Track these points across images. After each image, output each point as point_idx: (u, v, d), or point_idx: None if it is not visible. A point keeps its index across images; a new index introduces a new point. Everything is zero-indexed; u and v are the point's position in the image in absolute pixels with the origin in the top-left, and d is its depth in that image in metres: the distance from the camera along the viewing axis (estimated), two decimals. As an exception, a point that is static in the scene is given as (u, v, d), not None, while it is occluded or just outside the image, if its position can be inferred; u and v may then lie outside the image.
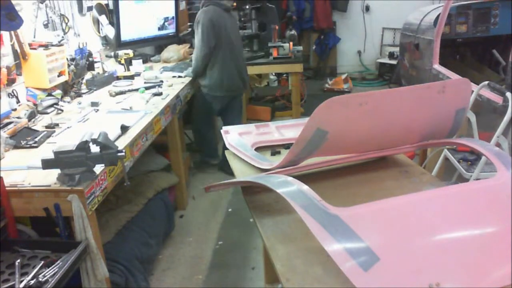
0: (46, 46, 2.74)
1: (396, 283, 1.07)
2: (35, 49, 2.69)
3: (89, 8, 3.57)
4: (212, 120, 4.08)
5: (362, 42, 7.05)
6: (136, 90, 3.16)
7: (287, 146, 1.99)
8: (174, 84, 3.35)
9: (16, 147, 2.18)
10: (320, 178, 1.73)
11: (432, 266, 1.11)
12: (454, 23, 4.06)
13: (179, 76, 3.58)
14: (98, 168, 1.89)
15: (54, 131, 2.38)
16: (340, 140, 1.56)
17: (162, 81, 3.36)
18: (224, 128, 2.19)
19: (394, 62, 6.35)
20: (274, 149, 1.98)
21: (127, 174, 2.05)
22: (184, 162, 3.65)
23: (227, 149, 2.04)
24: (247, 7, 4.38)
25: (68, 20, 3.21)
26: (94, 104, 2.82)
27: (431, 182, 1.71)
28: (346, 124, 1.49)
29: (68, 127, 2.44)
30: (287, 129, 2.17)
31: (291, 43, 4.18)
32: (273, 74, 6.22)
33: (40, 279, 1.57)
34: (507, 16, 3.96)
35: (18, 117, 2.46)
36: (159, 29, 4.17)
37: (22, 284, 1.56)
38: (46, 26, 2.98)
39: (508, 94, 2.46)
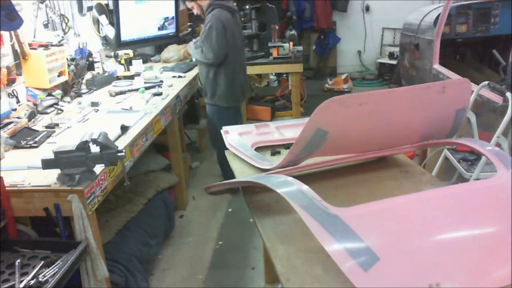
0: (46, 46, 2.74)
1: (396, 283, 1.07)
2: (35, 49, 2.69)
3: (89, 8, 3.57)
4: None
5: (362, 42, 7.05)
6: (136, 90, 3.16)
7: (287, 146, 1.99)
8: (174, 84, 3.35)
9: (16, 147, 2.18)
10: (320, 178, 1.73)
11: (432, 266, 1.11)
12: (454, 23, 4.06)
13: (179, 76, 3.58)
14: (98, 168, 1.89)
15: (54, 131, 2.38)
16: (340, 140, 1.56)
17: (162, 81, 3.36)
18: (224, 128, 2.19)
19: (394, 62, 6.35)
20: (274, 149, 1.98)
21: (127, 174, 2.05)
22: (184, 162, 3.65)
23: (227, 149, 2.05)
24: (247, 7, 4.38)
25: (68, 20, 3.21)
26: (94, 104, 2.82)
27: (431, 182, 1.71)
28: (346, 124, 1.49)
29: (68, 127, 2.44)
30: (287, 129, 2.17)
31: (291, 43, 4.17)
32: (273, 74, 6.22)
33: (40, 279, 1.57)
34: (507, 16, 3.97)
35: (18, 117, 2.46)
36: (159, 29, 4.17)
37: (22, 284, 1.56)
38: (46, 26, 2.98)
39: (508, 94, 2.46)
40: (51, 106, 2.72)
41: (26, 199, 1.81)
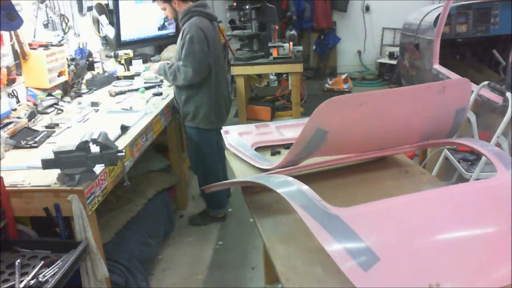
0: (46, 46, 2.74)
1: (396, 283, 1.07)
2: (35, 49, 2.69)
3: (89, 8, 3.57)
4: (219, 157, 3.14)
5: (362, 42, 7.05)
6: (136, 90, 3.16)
7: (287, 146, 1.99)
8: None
9: (16, 147, 2.18)
10: (320, 178, 1.73)
11: (432, 266, 1.11)
12: (454, 23, 4.06)
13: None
14: (98, 168, 1.89)
15: (54, 131, 2.38)
16: (340, 140, 1.55)
17: (162, 81, 3.36)
18: (224, 128, 2.19)
19: (394, 62, 6.35)
20: (274, 149, 1.98)
21: (127, 174, 2.06)
22: (184, 162, 3.65)
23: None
24: (247, 7, 4.37)
25: (68, 20, 3.21)
26: (94, 104, 2.82)
27: (431, 182, 1.71)
28: (346, 124, 1.49)
29: (68, 127, 2.45)
30: (287, 129, 2.17)
31: (291, 43, 4.17)
32: (273, 74, 6.22)
33: (40, 279, 1.57)
34: (507, 16, 3.96)
35: (18, 117, 2.46)
36: (159, 29, 4.17)
37: (22, 284, 1.56)
38: (46, 26, 2.99)
39: (508, 94, 2.46)
40: (51, 106, 2.72)
41: (26, 199, 1.81)
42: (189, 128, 3.02)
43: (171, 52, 4.17)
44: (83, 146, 1.78)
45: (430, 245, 1.19)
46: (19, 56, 2.61)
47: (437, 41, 3.74)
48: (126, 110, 2.73)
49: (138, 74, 3.62)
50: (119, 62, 3.61)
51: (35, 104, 2.66)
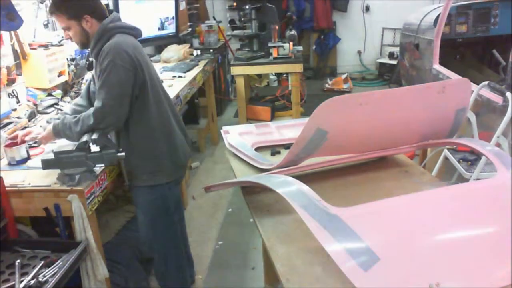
0: (46, 46, 2.74)
1: (396, 283, 1.07)
2: (35, 49, 2.69)
3: (89, 8, 3.57)
4: (175, 226, 2.27)
5: (362, 42, 7.05)
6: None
7: (287, 146, 1.99)
8: (174, 84, 3.35)
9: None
10: (320, 178, 1.73)
11: (432, 266, 1.11)
12: (454, 23, 4.06)
13: (179, 76, 3.58)
14: (98, 168, 1.89)
15: (54, 131, 2.37)
16: (340, 140, 1.56)
17: (162, 81, 3.35)
18: (224, 128, 2.19)
19: (394, 62, 6.35)
20: (274, 149, 1.98)
21: (127, 174, 2.05)
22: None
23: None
24: (247, 7, 4.38)
25: (68, 20, 3.20)
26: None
27: (431, 182, 1.71)
28: (346, 124, 1.49)
29: (68, 127, 2.43)
30: (287, 129, 2.17)
31: (291, 43, 4.17)
32: (273, 74, 6.22)
33: (40, 279, 1.57)
34: (507, 16, 3.97)
35: (18, 117, 2.46)
36: (159, 29, 4.17)
37: (22, 284, 1.56)
38: (46, 26, 2.99)
39: (508, 94, 2.46)
40: (51, 106, 2.72)
41: (26, 199, 1.81)
42: (137, 189, 2.11)
43: (171, 52, 4.17)
44: (83, 146, 1.78)
45: (430, 245, 1.19)
46: (19, 56, 2.61)
47: (437, 41, 3.74)
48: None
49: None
50: (119, 62, 3.60)
51: (35, 104, 2.66)
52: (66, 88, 3.03)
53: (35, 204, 1.81)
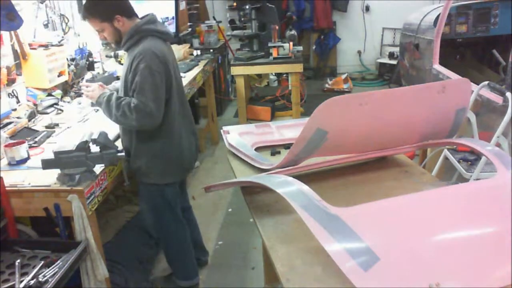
0: (46, 46, 2.74)
1: (396, 283, 1.07)
2: (35, 49, 2.70)
3: (89, 8, 3.57)
4: (180, 217, 2.44)
5: (362, 42, 7.05)
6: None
7: (287, 146, 1.99)
8: (174, 84, 3.34)
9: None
10: (320, 178, 1.73)
11: (432, 266, 1.11)
12: (454, 23, 4.06)
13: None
14: (98, 168, 1.89)
15: (54, 131, 2.38)
16: (340, 140, 1.56)
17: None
18: (224, 128, 2.19)
19: (394, 62, 6.35)
20: (274, 149, 1.98)
21: (127, 174, 2.06)
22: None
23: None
24: (247, 7, 4.38)
25: (68, 20, 3.21)
26: (94, 104, 2.82)
27: (431, 182, 1.71)
28: (346, 124, 1.49)
29: (68, 127, 2.45)
30: (287, 129, 2.17)
31: (291, 43, 4.17)
32: (273, 74, 6.22)
33: (40, 279, 1.57)
34: (507, 16, 3.97)
35: (18, 117, 2.46)
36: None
37: (22, 284, 1.56)
38: (46, 26, 2.99)
39: (508, 94, 2.46)
40: (51, 106, 2.72)
41: (26, 199, 1.81)
42: (142, 186, 2.29)
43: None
44: (83, 146, 1.78)
45: (430, 245, 1.19)
46: (19, 56, 2.61)
47: (437, 41, 3.74)
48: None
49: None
50: (119, 62, 3.61)
51: (35, 104, 2.67)
52: (66, 88, 3.03)
53: (35, 204, 1.81)
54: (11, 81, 2.56)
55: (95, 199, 1.87)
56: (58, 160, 1.77)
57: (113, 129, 2.26)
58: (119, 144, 2.14)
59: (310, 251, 1.26)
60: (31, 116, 2.53)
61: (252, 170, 1.79)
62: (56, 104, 2.76)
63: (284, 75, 6.02)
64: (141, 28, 2.10)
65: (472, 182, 2.27)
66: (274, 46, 4.17)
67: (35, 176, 1.87)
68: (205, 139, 4.59)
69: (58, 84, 2.89)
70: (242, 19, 4.51)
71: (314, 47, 7.02)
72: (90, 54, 3.25)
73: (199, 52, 4.42)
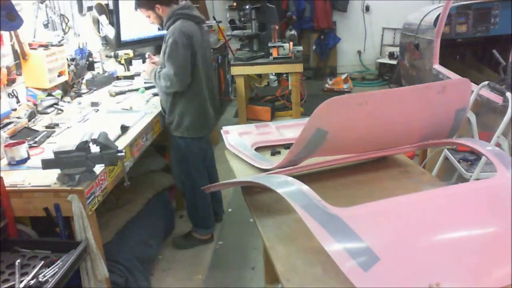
0: (46, 46, 2.74)
1: (396, 283, 1.07)
2: (35, 49, 2.69)
3: (89, 8, 3.57)
4: (201, 168, 2.94)
5: (362, 42, 7.05)
6: (136, 90, 3.16)
7: (287, 146, 1.99)
8: (174, 84, 3.34)
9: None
10: (320, 178, 1.73)
11: (432, 266, 1.11)
12: (454, 23, 4.06)
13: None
14: (98, 168, 1.89)
15: (54, 131, 2.38)
16: (340, 140, 1.56)
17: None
18: (224, 128, 2.19)
19: (394, 62, 6.35)
20: (274, 149, 1.98)
21: (127, 174, 2.06)
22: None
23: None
24: (247, 7, 4.38)
25: (68, 20, 3.21)
26: (94, 104, 2.82)
27: (431, 182, 1.71)
28: (346, 124, 1.49)
29: (68, 127, 2.45)
30: (287, 129, 2.17)
31: (291, 43, 4.17)
32: (273, 74, 6.22)
33: (40, 279, 1.57)
34: (507, 16, 3.97)
35: (18, 117, 2.46)
36: (159, 29, 4.16)
37: (22, 284, 1.56)
38: (46, 26, 2.98)
39: (508, 94, 2.46)
40: (51, 106, 2.72)
41: (26, 199, 1.81)
42: (174, 137, 2.82)
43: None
44: (83, 146, 1.78)
45: (430, 245, 1.19)
46: (19, 56, 2.61)
47: (437, 41, 3.74)
48: (126, 110, 2.73)
49: (138, 74, 3.62)
50: (119, 62, 3.61)
51: (35, 104, 2.66)
52: (66, 88, 3.03)
53: (35, 204, 1.81)
54: (11, 81, 2.56)
55: (95, 199, 1.87)
56: (58, 160, 1.76)
57: (113, 129, 2.26)
58: (119, 144, 2.14)
59: (310, 251, 1.27)
60: (31, 116, 2.53)
61: (252, 170, 1.79)
62: (56, 104, 2.76)
63: (284, 75, 6.02)
64: (176, 12, 2.66)
65: (472, 182, 2.27)
66: (274, 46, 4.17)
67: (35, 176, 1.87)
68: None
69: (58, 84, 2.89)
70: (242, 19, 4.51)
71: (314, 47, 7.02)
72: (90, 54, 3.25)
73: (199, 52, 4.42)
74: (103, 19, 3.70)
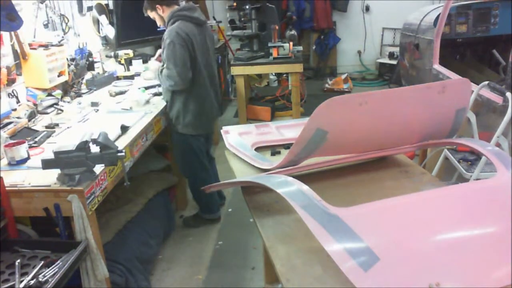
0: (46, 46, 2.74)
1: (396, 283, 1.07)
2: (35, 49, 2.69)
3: (89, 8, 3.57)
4: (204, 163, 3.12)
5: (362, 42, 7.05)
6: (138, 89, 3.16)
7: (287, 146, 1.99)
8: (174, 84, 3.34)
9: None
10: (320, 178, 1.73)
11: (432, 266, 1.11)
12: (454, 23, 4.06)
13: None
14: (98, 168, 1.89)
15: (54, 131, 2.38)
16: (340, 140, 1.56)
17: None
18: (224, 128, 2.19)
19: (394, 62, 6.35)
20: (274, 149, 1.98)
21: (127, 174, 2.06)
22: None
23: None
24: (247, 7, 4.38)
25: (68, 20, 3.21)
26: (94, 104, 2.82)
27: (431, 182, 1.71)
28: (346, 124, 1.49)
29: (68, 127, 2.45)
30: (287, 129, 2.17)
31: (291, 43, 4.17)
32: (273, 74, 6.22)
33: (40, 279, 1.57)
34: (507, 16, 3.96)
35: (18, 117, 2.46)
36: (158, 29, 4.16)
37: (22, 284, 1.56)
38: (46, 26, 2.99)
39: (508, 94, 2.46)
40: (51, 106, 2.72)
41: (26, 199, 1.81)
42: (174, 134, 2.97)
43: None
44: (83, 146, 1.78)
45: (430, 245, 1.19)
46: (19, 56, 2.61)
47: (437, 41, 3.74)
48: (126, 110, 2.73)
49: (138, 74, 3.62)
50: (119, 62, 3.61)
51: (35, 104, 2.66)
52: (66, 88, 3.03)
53: (35, 204, 1.81)
54: (11, 81, 2.56)
55: (95, 199, 1.87)
56: (58, 160, 1.76)
57: (113, 129, 2.26)
58: (119, 144, 2.14)
59: (310, 251, 1.27)
60: (31, 116, 2.53)
61: (252, 170, 1.79)
62: (56, 104, 2.76)
63: (284, 75, 6.02)
64: (175, 13, 2.75)
65: (472, 182, 2.27)
66: (274, 46, 4.17)
67: (35, 176, 1.87)
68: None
69: (58, 84, 2.89)
70: (242, 19, 4.51)
71: (314, 47, 7.02)
72: (90, 54, 3.25)
73: (199, 52, 4.42)
74: (103, 19, 3.70)
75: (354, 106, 1.44)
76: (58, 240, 1.89)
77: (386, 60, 6.70)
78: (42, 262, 1.67)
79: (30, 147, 2.15)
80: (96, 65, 3.38)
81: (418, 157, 3.22)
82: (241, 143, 1.99)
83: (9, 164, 1.99)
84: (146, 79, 3.46)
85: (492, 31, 4.11)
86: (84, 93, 3.10)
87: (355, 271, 1.08)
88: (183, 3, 2.85)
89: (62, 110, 2.72)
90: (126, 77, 3.51)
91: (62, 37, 3.08)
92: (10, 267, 1.67)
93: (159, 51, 3.06)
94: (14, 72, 2.59)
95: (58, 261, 1.68)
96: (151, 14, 2.89)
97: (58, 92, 2.87)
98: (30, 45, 2.69)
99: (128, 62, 3.61)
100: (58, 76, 2.83)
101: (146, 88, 3.18)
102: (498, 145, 2.41)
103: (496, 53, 4.30)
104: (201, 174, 3.06)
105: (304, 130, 1.46)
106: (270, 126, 2.22)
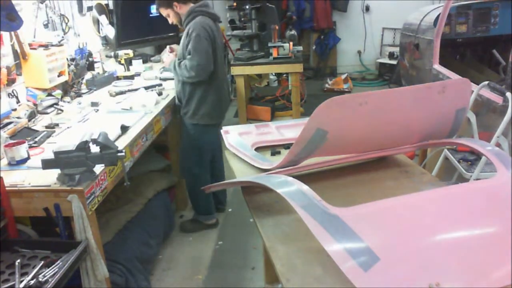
0: (46, 46, 2.74)
1: (396, 283, 1.07)
2: (35, 49, 2.69)
3: (89, 8, 3.57)
4: (206, 161, 3.13)
5: (362, 42, 7.05)
6: (136, 90, 3.16)
7: (287, 146, 1.99)
8: (174, 84, 3.34)
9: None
10: (320, 178, 1.73)
11: (432, 266, 1.11)
12: (454, 23, 4.06)
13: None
14: (98, 168, 1.89)
15: (54, 131, 2.38)
16: (340, 140, 1.56)
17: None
18: (224, 128, 2.19)
19: (394, 62, 6.35)
20: (274, 149, 1.98)
21: (127, 174, 2.06)
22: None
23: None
24: (247, 7, 4.37)
25: (68, 20, 3.21)
26: (94, 104, 2.82)
27: (431, 182, 1.71)
28: (346, 124, 1.49)
29: (68, 127, 2.45)
30: (287, 129, 2.17)
31: (291, 43, 4.17)
32: (273, 74, 6.22)
33: (40, 279, 1.57)
34: (507, 16, 3.97)
35: (18, 117, 2.46)
36: (158, 29, 4.17)
37: (22, 284, 1.56)
38: (46, 26, 2.98)
39: (508, 94, 2.46)
40: (51, 106, 2.72)
41: (26, 199, 1.81)
42: (188, 124, 3.01)
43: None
44: (83, 146, 1.78)
45: (430, 245, 1.19)
46: (19, 56, 2.61)
47: (437, 41, 3.74)
48: (126, 110, 2.73)
49: (138, 74, 3.62)
50: (119, 62, 3.61)
51: (35, 104, 2.66)
52: (66, 88, 3.03)
53: (35, 204, 1.81)
54: (11, 81, 2.55)
55: (95, 199, 1.87)
56: (58, 160, 1.76)
57: (113, 129, 2.26)
58: (119, 144, 2.14)
59: (310, 251, 1.27)
60: (31, 116, 2.53)
61: (252, 170, 1.79)
62: (56, 104, 2.75)
63: (284, 75, 6.02)
64: (194, 9, 2.86)
65: (472, 182, 2.27)
66: (274, 46, 4.17)
67: (35, 176, 1.86)
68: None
69: (58, 84, 2.88)
70: (242, 19, 4.51)
71: (314, 47, 7.02)
72: (90, 54, 3.25)
73: (199, 52, 4.42)
74: (103, 19, 3.70)
75: (354, 106, 1.44)
76: (58, 240, 1.89)
77: (386, 60, 6.70)
78: (42, 262, 1.67)
79: (30, 147, 2.14)
80: (96, 65, 3.38)
81: (418, 157, 3.22)
82: (241, 143, 1.99)
83: (9, 164, 1.99)
84: (146, 79, 3.46)
85: (492, 31, 4.11)
86: (84, 93, 3.10)
87: (355, 271, 1.08)
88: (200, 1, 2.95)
89: (62, 110, 2.72)
90: (126, 77, 3.51)
91: (62, 37, 3.08)
92: (10, 267, 1.67)
93: (168, 47, 3.18)
94: (14, 72, 2.58)
95: (58, 261, 1.68)
96: (165, 12, 2.94)
97: (58, 92, 2.87)
98: (30, 45, 2.69)
99: (128, 62, 3.61)
100: (58, 76, 2.83)
101: (146, 88, 3.17)
102: (498, 145, 2.41)
103: (496, 53, 4.30)
104: (200, 175, 3.06)
105: (304, 130, 1.46)
106: (270, 126, 2.22)
